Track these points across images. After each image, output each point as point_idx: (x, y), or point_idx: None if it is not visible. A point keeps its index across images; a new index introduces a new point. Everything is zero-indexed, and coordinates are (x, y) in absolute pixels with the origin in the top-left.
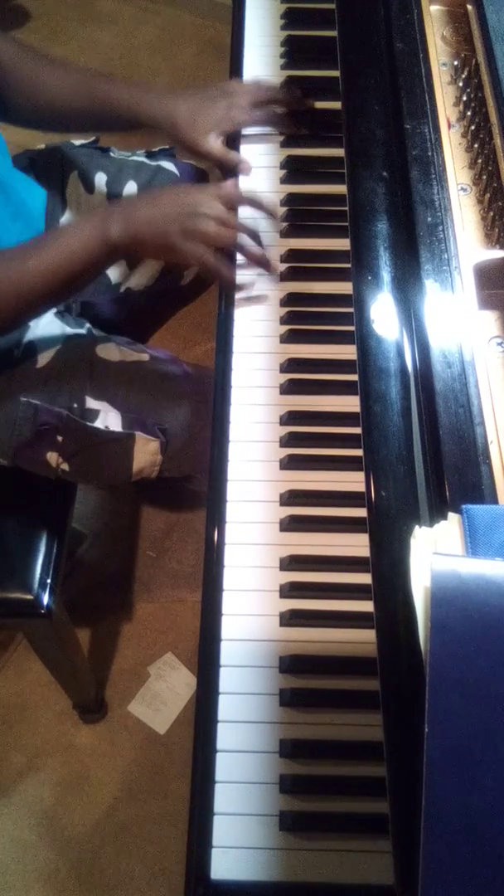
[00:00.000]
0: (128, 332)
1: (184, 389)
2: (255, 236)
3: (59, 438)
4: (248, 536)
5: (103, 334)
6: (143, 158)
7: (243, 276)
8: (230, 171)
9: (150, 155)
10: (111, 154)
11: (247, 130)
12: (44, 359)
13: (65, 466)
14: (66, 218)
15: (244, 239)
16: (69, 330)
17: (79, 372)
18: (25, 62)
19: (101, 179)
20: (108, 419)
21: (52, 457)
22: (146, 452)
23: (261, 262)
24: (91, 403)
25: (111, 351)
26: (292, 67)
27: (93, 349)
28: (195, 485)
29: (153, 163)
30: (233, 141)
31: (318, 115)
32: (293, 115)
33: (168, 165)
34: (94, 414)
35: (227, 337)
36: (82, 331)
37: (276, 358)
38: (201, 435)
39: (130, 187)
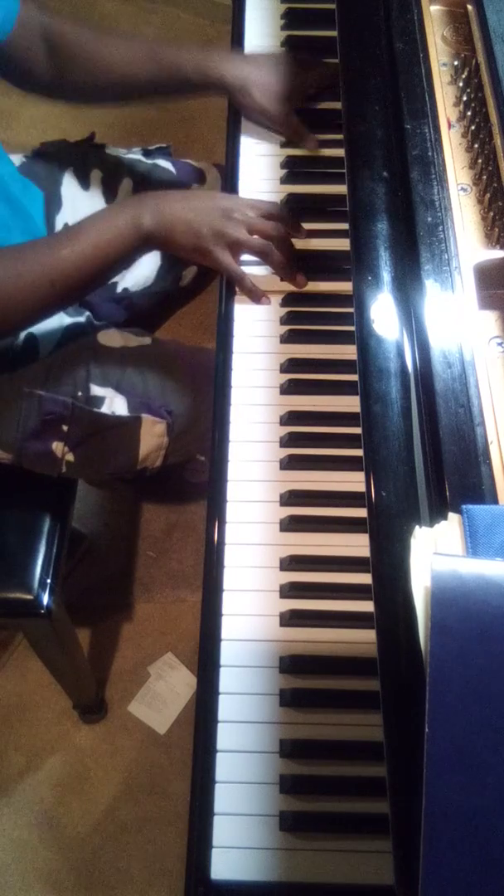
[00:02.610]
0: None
1: (187, 370)
2: (285, 248)
3: (65, 428)
4: (248, 536)
5: (104, 322)
6: (139, 156)
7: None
8: (300, 144)
9: (146, 153)
10: (106, 151)
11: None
12: (45, 349)
13: (70, 457)
14: (62, 217)
15: (272, 250)
16: (68, 319)
17: (82, 359)
18: (86, 40)
19: (96, 176)
20: (115, 404)
21: (58, 447)
22: (153, 435)
23: (287, 275)
24: (96, 390)
25: (113, 337)
26: None
27: (94, 336)
28: (194, 475)
29: (149, 161)
30: (232, 137)
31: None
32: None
33: (164, 164)
34: (100, 400)
35: (227, 337)
36: (82, 319)
37: (276, 358)
38: (206, 415)
39: (126, 184)
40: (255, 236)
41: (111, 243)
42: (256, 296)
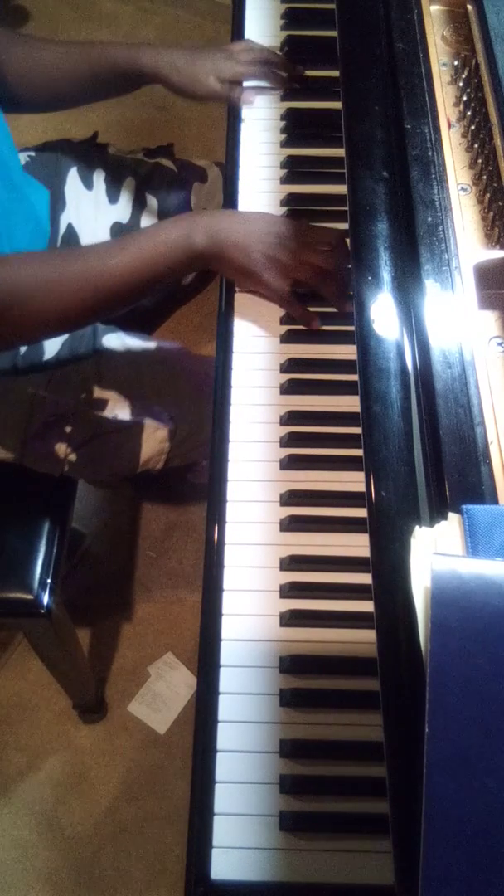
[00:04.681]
0: (128, 330)
1: (190, 376)
2: (337, 280)
3: (68, 429)
4: (248, 536)
5: (109, 326)
6: (141, 156)
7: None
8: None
9: (148, 152)
10: (109, 151)
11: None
12: (50, 351)
13: (72, 457)
14: (66, 217)
15: (324, 282)
16: None
17: (85, 363)
18: (17, 47)
19: (99, 177)
20: (117, 408)
21: (61, 448)
22: (154, 440)
23: (339, 306)
24: (99, 393)
25: (117, 341)
26: None
27: (99, 340)
28: (197, 477)
29: (152, 160)
30: (232, 137)
31: (312, 81)
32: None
33: (166, 163)
34: (103, 404)
35: (227, 337)
36: None
37: (276, 358)
38: (208, 421)
39: (129, 184)
40: (308, 266)
41: (161, 257)
42: (308, 320)
